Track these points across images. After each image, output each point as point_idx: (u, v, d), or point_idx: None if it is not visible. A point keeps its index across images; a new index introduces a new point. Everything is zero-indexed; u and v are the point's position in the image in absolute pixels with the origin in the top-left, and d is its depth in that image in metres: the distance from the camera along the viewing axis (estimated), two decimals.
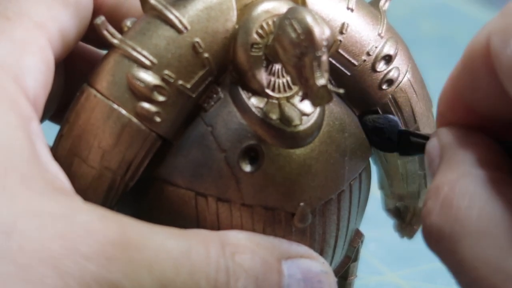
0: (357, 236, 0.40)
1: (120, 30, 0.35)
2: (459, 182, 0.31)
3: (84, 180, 0.34)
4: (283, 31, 0.33)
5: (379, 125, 0.39)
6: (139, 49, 0.34)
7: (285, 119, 0.35)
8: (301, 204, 0.35)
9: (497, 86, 0.32)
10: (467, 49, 0.33)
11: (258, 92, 0.35)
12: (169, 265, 0.31)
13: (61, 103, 0.40)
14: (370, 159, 0.40)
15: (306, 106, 0.35)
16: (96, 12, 0.37)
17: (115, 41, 0.34)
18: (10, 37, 0.34)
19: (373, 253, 0.58)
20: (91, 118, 0.34)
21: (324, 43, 0.32)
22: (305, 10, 0.32)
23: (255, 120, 0.35)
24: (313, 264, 0.35)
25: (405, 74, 0.39)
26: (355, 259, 0.41)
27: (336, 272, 0.40)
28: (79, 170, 0.34)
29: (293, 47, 0.32)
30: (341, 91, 0.33)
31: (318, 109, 0.36)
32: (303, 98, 0.35)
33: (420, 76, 0.40)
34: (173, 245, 0.32)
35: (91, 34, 0.37)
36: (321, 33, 0.32)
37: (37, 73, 0.34)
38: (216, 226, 0.35)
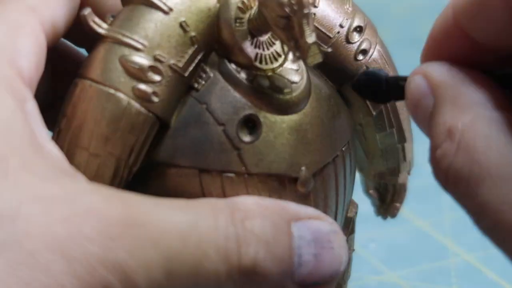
0: (352, 206, 0.41)
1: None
2: (475, 125, 0.31)
3: (90, 169, 0.34)
4: None
5: (366, 76, 0.39)
6: (128, 34, 0.35)
7: (275, 88, 0.36)
8: (302, 168, 0.36)
9: (507, 15, 0.31)
10: None
11: (247, 65, 0.36)
12: (175, 239, 0.31)
13: (45, 103, 0.40)
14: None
15: (293, 75, 0.37)
16: (81, 6, 0.38)
17: (102, 30, 0.35)
18: (4, 19, 0.34)
19: (373, 253, 0.58)
20: (89, 106, 0.34)
21: (310, 0, 0.33)
22: None
23: (249, 91, 0.36)
24: (322, 225, 0.35)
25: (375, 46, 0.40)
26: (352, 231, 0.41)
27: None
28: (83, 160, 0.34)
29: (281, 7, 0.33)
30: (329, 49, 0.35)
31: (305, 77, 0.37)
32: (297, 58, 0.36)
33: (387, 50, 0.41)
34: (180, 217, 0.32)
35: (74, 29, 0.37)
36: None
37: (31, 55, 0.34)
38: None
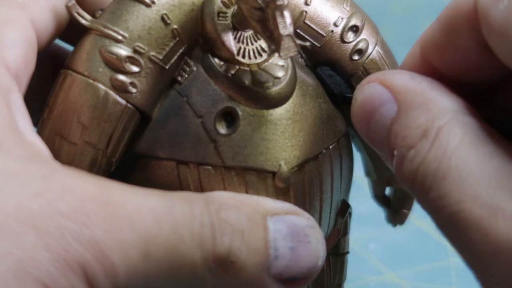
0: (344, 207, 0.41)
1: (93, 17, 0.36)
2: (451, 126, 0.32)
3: (67, 157, 0.35)
4: None
5: (331, 85, 0.39)
6: (110, 26, 0.35)
7: (256, 82, 0.36)
8: (281, 163, 0.36)
9: (476, 48, 0.32)
10: (447, 9, 0.34)
11: (229, 59, 0.36)
12: (151, 221, 0.31)
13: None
14: (353, 146, 0.41)
15: (277, 70, 0.36)
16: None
17: (85, 22, 0.35)
18: None
19: (373, 253, 0.58)
20: (69, 95, 0.35)
21: None
22: None
23: (227, 84, 0.36)
24: (299, 219, 0.35)
25: (375, 47, 0.40)
26: (345, 232, 0.41)
27: (328, 245, 0.40)
28: (61, 148, 0.35)
29: None
30: (307, 44, 0.34)
31: (289, 73, 0.37)
32: (271, 52, 0.36)
33: (390, 51, 0.41)
34: (155, 202, 0.32)
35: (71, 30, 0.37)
36: None
37: (17, 48, 0.34)
38: (200, 192, 0.36)
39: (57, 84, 0.36)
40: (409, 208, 0.44)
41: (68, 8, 0.35)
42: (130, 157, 0.36)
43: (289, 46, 0.33)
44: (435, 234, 0.58)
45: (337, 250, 0.41)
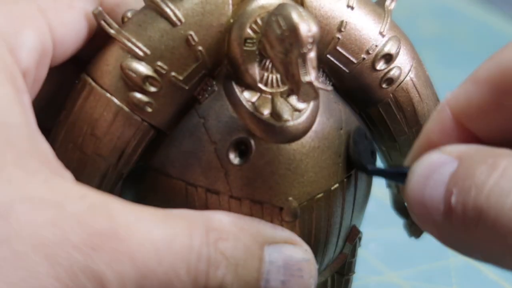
0: (354, 234, 0.40)
1: (122, 21, 0.35)
2: None
3: (79, 165, 0.35)
4: (269, 27, 0.33)
5: (357, 152, 0.38)
6: (134, 40, 0.35)
7: (275, 114, 0.35)
8: (290, 198, 0.36)
9: None
10: (488, 69, 0.32)
11: (251, 86, 0.36)
12: (151, 256, 0.32)
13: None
14: (378, 157, 0.40)
15: (299, 102, 0.36)
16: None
17: (112, 31, 0.35)
18: (12, 10, 0.34)
19: (373, 253, 0.58)
20: (85, 105, 0.35)
21: (310, 40, 0.32)
22: (292, 7, 0.33)
23: (245, 114, 0.35)
24: (295, 251, 0.35)
25: (408, 74, 0.39)
26: (353, 255, 0.41)
27: (332, 268, 0.40)
28: (74, 156, 0.35)
29: (279, 43, 0.33)
30: (329, 88, 0.34)
31: (311, 105, 0.36)
32: (289, 94, 0.36)
33: (426, 75, 0.40)
34: (158, 234, 0.32)
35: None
36: (306, 30, 0.32)
37: (32, 50, 0.34)
38: None
39: (76, 89, 0.35)
40: None
41: (95, 15, 0.35)
42: (142, 167, 0.36)
43: (308, 92, 0.32)
44: None
45: (342, 271, 0.41)
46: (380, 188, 0.44)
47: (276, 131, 0.35)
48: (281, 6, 0.33)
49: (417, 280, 0.55)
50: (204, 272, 0.32)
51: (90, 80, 0.35)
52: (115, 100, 0.34)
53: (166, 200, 0.36)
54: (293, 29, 0.32)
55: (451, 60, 0.82)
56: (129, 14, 0.35)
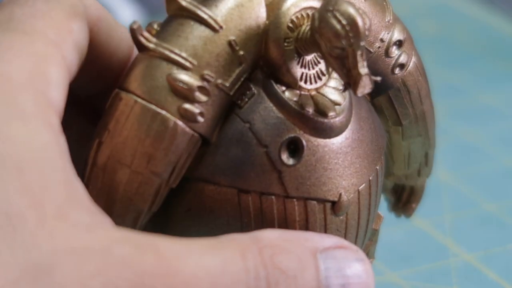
0: (378, 219, 0.41)
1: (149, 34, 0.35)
2: None
3: (130, 186, 0.34)
4: (327, 23, 0.33)
5: None
6: (177, 51, 0.34)
7: (320, 111, 0.36)
8: (341, 192, 0.36)
9: None
10: None
11: (292, 85, 0.36)
12: (207, 285, 0.31)
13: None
14: None
15: (336, 96, 0.36)
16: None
17: (151, 45, 0.34)
18: (32, 51, 0.33)
19: None
20: (134, 123, 0.34)
21: (367, 33, 0.33)
22: (344, 2, 0.33)
23: (293, 114, 0.35)
24: (348, 253, 0.35)
25: (412, 59, 0.40)
26: (376, 241, 0.42)
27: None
28: (125, 177, 0.34)
29: (338, 38, 0.33)
30: (378, 78, 0.34)
31: (347, 98, 0.37)
32: (345, 88, 0.36)
33: (421, 59, 0.41)
34: (210, 261, 0.31)
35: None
36: (363, 23, 0.33)
37: (60, 86, 0.34)
38: (260, 220, 0.36)
39: (117, 108, 0.35)
40: (417, 202, 0.45)
41: (133, 30, 0.34)
42: (185, 178, 0.36)
43: (365, 84, 0.33)
44: (435, 234, 0.58)
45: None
46: None
47: (325, 127, 0.36)
48: (333, 1, 0.33)
49: (417, 280, 0.55)
50: None
51: (135, 97, 0.34)
52: (167, 114, 0.34)
53: (215, 209, 0.36)
54: (354, 24, 0.33)
55: (450, 60, 0.82)
56: (155, 26, 0.35)
